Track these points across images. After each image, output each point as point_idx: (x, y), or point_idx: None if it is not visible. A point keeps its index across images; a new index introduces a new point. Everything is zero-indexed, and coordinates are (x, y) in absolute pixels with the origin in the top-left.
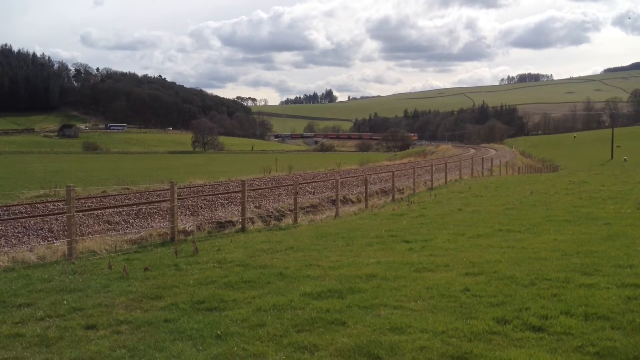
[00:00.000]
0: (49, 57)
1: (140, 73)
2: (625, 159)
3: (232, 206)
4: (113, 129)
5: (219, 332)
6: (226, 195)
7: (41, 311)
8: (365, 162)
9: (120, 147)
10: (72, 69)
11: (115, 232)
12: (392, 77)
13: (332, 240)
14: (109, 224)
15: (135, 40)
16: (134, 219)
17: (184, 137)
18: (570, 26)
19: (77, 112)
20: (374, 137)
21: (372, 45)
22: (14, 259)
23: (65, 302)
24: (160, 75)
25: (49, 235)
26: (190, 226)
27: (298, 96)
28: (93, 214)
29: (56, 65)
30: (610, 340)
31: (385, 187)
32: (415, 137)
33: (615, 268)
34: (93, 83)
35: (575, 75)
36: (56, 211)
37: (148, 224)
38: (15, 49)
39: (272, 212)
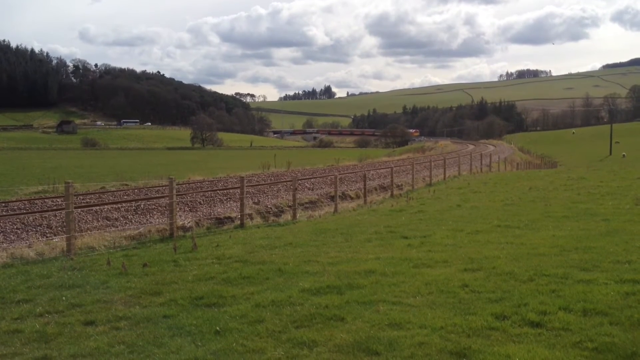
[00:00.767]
0: (47, 53)
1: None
2: (623, 155)
3: (231, 202)
4: (126, 124)
5: (217, 328)
6: (225, 191)
7: (40, 307)
8: (364, 158)
9: (119, 143)
10: (71, 65)
11: (114, 228)
12: (391, 73)
13: (331, 236)
14: (107, 220)
15: (134, 36)
16: (133, 215)
17: (183, 133)
18: (569, 22)
19: (75, 108)
20: (375, 133)
21: (370, 41)
22: (12, 255)
23: (64, 298)
24: (158, 72)
25: (47, 232)
26: (189, 222)
27: (297, 92)
28: (92, 210)
29: (54, 61)
30: (609, 335)
31: (384, 183)
32: (417, 133)
33: (613, 264)
34: (91, 79)
35: (574, 71)
36: (55, 207)
37: (147, 220)
38: (13, 45)
39: (270, 208)
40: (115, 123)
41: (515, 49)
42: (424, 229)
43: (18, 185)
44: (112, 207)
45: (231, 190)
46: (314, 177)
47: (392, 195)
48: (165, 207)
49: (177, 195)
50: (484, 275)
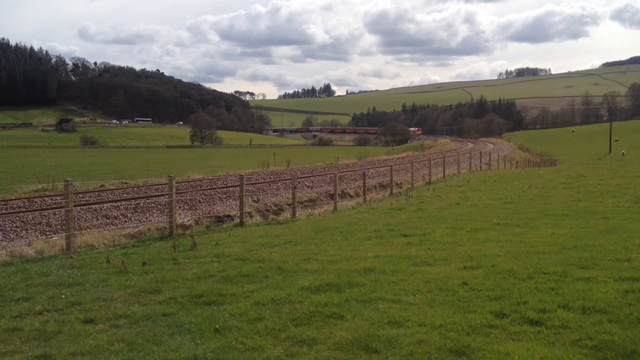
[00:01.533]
0: (46, 51)
1: (138, 67)
2: (623, 153)
3: (231, 200)
4: (139, 122)
5: (217, 326)
6: (224, 189)
7: (39, 305)
8: (364, 157)
9: (119, 141)
10: (70, 63)
11: (113, 227)
12: (391, 72)
13: (330, 235)
14: (107, 218)
15: (133, 35)
16: (132, 213)
17: (182, 132)
18: (568, 20)
19: (75, 107)
20: (377, 132)
21: (370, 40)
22: (12, 253)
23: (63, 296)
24: (158, 70)
25: (47, 230)
26: (188, 220)
27: (296, 90)
28: (91, 208)
29: (54, 60)
30: (608, 333)
31: (383, 181)
32: (420, 132)
33: (613, 262)
34: (91, 77)
35: (573, 69)
36: (54, 205)
37: (146, 218)
38: (12, 43)
39: (270, 206)
40: (115, 121)
41: (515, 47)
42: (424, 227)
43: (17, 184)
44: (111, 206)
45: (231, 189)
46: (314, 176)
47: (391, 193)
48: (164, 205)
49: (176, 193)
50: (484, 273)
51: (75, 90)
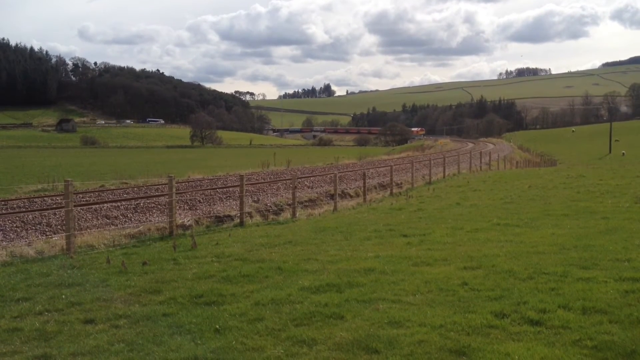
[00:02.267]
0: (46, 52)
1: (138, 67)
2: (623, 153)
3: (231, 200)
4: (151, 122)
5: (217, 326)
6: (224, 189)
7: (40, 305)
8: (364, 157)
9: (119, 141)
10: (70, 63)
11: (113, 227)
12: (391, 72)
13: (330, 235)
14: (107, 219)
15: (133, 35)
16: (133, 214)
17: (182, 132)
18: (568, 20)
19: (75, 107)
20: (378, 132)
21: (370, 40)
22: (12, 253)
23: (63, 296)
24: (158, 70)
25: (47, 230)
26: (188, 220)
27: (296, 90)
28: (91, 208)
29: (54, 60)
30: (608, 334)
31: (383, 181)
32: (423, 132)
33: (613, 262)
34: (91, 77)
35: (573, 69)
36: (54, 205)
37: (146, 218)
38: (12, 43)
39: (270, 206)
40: (129, 121)
41: (515, 47)
42: (424, 227)
43: (17, 184)
44: (111, 206)
45: (231, 189)
46: (314, 176)
47: (391, 193)
48: (164, 205)
49: (176, 193)
50: (484, 273)
51: (75, 90)
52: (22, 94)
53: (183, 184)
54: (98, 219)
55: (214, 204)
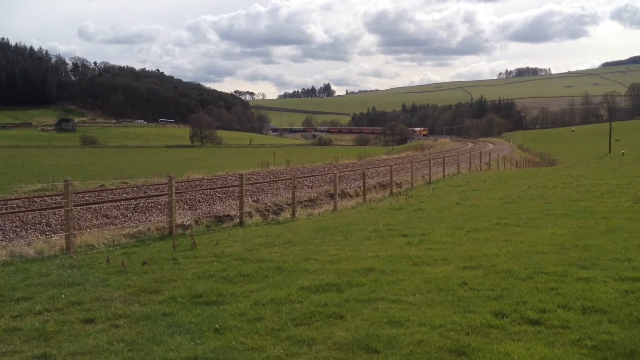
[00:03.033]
0: (46, 51)
1: (137, 67)
2: (623, 153)
3: (230, 200)
4: (163, 123)
5: (217, 325)
6: (224, 189)
7: (39, 305)
8: (364, 156)
9: (118, 141)
10: (70, 62)
11: (113, 226)
12: (390, 71)
13: (330, 234)
14: (107, 218)
15: (133, 34)
16: (132, 213)
17: (182, 131)
18: (568, 20)
19: (74, 106)
20: (378, 132)
21: (370, 39)
22: (12, 253)
23: (63, 296)
24: (158, 69)
25: (47, 230)
26: (188, 220)
27: (296, 90)
28: (91, 208)
29: (53, 59)
30: (608, 333)
31: (383, 181)
32: (426, 131)
33: (612, 262)
34: (91, 77)
35: (573, 69)
36: (54, 205)
37: (146, 218)
38: (12, 42)
39: (270, 206)
40: (114, 121)
41: (515, 47)
42: (423, 227)
43: (17, 183)
44: (111, 205)
45: (230, 188)
46: (313, 175)
47: (391, 193)
48: (164, 205)
49: (176, 193)
50: (483, 273)
51: (75, 90)
52: (21, 94)
53: (183, 183)
54: (98, 219)
55: (214, 204)
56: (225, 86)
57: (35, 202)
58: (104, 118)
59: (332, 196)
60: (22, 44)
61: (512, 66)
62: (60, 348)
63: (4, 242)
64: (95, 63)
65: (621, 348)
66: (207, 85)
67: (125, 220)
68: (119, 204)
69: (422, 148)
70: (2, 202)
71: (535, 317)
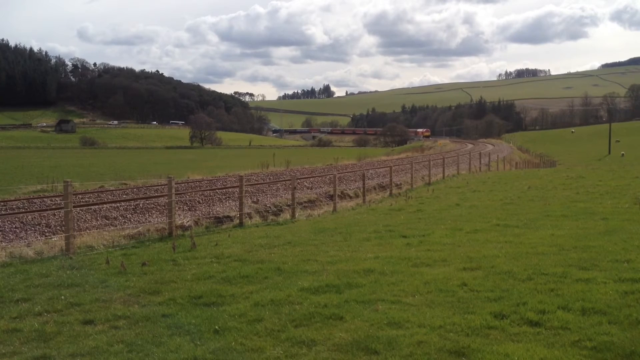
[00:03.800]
0: (46, 52)
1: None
2: (622, 154)
3: (230, 201)
4: (174, 124)
5: (216, 327)
6: (224, 190)
7: (39, 306)
8: (363, 157)
9: (118, 142)
10: (70, 64)
11: (112, 227)
12: (390, 72)
13: (329, 235)
14: (106, 219)
15: (132, 35)
16: (132, 214)
17: (182, 132)
18: (568, 21)
19: (74, 107)
20: (383, 134)
21: (369, 41)
22: (11, 254)
23: (63, 297)
24: (157, 71)
25: (46, 231)
26: (187, 221)
27: (296, 91)
28: (90, 209)
29: (53, 60)
30: (607, 334)
31: (383, 182)
32: (428, 133)
33: (612, 263)
34: (90, 78)
35: (573, 70)
36: (53, 206)
37: (146, 219)
38: (12, 44)
39: (269, 207)
40: (114, 122)
41: (514, 48)
42: (423, 228)
43: (17, 184)
44: (111, 206)
45: (230, 189)
46: (313, 176)
47: (391, 194)
48: (164, 206)
49: (176, 194)
50: (483, 274)
51: (75, 91)
52: (21, 95)
53: (182, 184)
54: (97, 220)
55: (214, 205)
56: (225, 87)
57: (35, 203)
58: (104, 119)
59: (331, 197)
60: (22, 45)
61: (512, 67)
62: (60, 349)
63: (3, 243)
64: (94, 64)
65: (621, 349)
66: (206, 86)
67: (124, 221)
68: (118, 205)
69: (422, 149)
70: (2, 203)
71: (534, 318)
